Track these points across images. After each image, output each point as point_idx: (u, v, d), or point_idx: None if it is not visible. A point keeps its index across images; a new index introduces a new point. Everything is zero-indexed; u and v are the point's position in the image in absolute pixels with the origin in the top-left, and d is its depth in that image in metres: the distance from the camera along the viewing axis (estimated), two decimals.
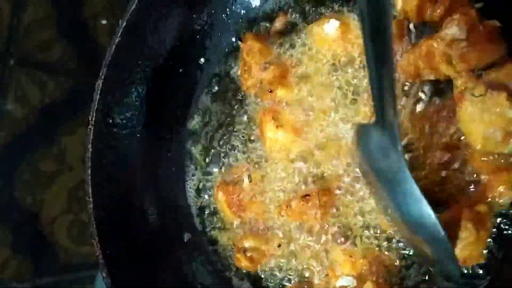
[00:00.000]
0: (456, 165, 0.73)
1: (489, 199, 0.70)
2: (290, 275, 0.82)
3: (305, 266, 0.81)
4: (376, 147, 0.65)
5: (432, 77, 0.74)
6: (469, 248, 0.67)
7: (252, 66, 0.84)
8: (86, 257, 1.18)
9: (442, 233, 0.62)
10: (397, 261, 0.76)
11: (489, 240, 0.71)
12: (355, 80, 0.81)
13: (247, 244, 0.82)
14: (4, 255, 1.09)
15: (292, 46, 0.86)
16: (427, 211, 0.63)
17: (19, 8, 1.07)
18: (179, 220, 0.89)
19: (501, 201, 0.70)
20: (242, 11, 0.91)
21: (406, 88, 0.77)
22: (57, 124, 1.14)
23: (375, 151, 0.66)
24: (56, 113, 1.14)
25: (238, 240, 0.83)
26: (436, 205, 0.66)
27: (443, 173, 0.74)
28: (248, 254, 0.81)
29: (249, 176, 0.84)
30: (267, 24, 0.89)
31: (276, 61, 0.85)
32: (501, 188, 0.70)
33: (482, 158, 0.71)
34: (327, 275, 0.79)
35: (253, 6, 0.90)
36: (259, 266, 0.83)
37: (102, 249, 0.79)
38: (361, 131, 0.68)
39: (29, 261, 1.12)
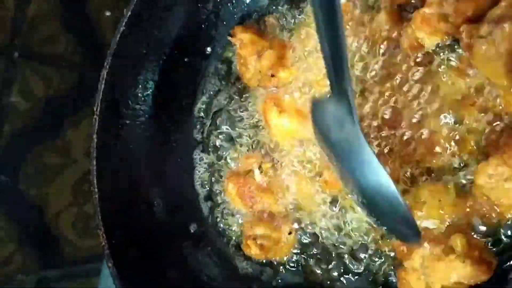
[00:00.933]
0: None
1: None
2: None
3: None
4: (332, 120, 0.65)
5: (435, 42, 0.73)
6: None
7: (247, 58, 0.84)
8: (91, 250, 1.18)
9: (401, 199, 0.62)
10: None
11: None
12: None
13: (258, 231, 0.81)
14: (10, 249, 1.09)
15: (288, 29, 0.86)
16: (385, 179, 0.63)
17: (23, 2, 1.07)
18: (185, 211, 0.88)
19: None
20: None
21: (418, 59, 0.75)
22: (61, 118, 1.14)
23: (331, 124, 0.65)
24: (61, 106, 1.14)
25: (248, 228, 0.83)
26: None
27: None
28: (259, 242, 0.80)
29: (260, 167, 0.84)
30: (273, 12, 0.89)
31: (270, 46, 0.84)
32: None
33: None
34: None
35: None
36: (269, 254, 0.82)
37: (108, 239, 0.79)
38: (317, 105, 0.67)
39: (34, 254, 1.12)
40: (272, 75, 0.82)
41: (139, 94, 0.87)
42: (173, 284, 0.83)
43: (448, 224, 0.68)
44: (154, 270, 0.83)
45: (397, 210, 0.63)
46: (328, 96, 0.64)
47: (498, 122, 0.68)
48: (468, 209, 0.67)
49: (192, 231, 0.88)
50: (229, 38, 0.87)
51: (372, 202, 0.66)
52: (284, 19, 0.87)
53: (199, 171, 0.90)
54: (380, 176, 0.63)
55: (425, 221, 0.69)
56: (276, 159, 0.84)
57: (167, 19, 0.86)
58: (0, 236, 1.08)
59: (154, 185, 0.88)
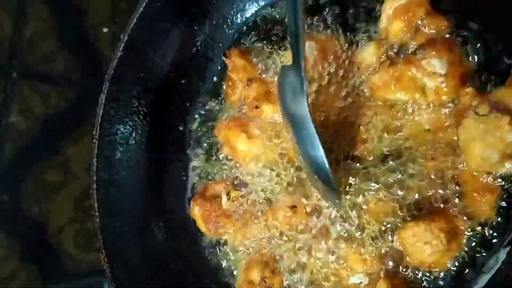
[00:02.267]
0: (449, 174, 0.75)
1: (470, 216, 0.73)
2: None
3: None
4: (289, 88, 0.73)
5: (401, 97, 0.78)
6: (436, 255, 0.72)
7: (237, 82, 0.86)
8: (93, 264, 1.18)
9: (329, 171, 0.71)
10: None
11: None
12: None
13: (251, 276, 0.81)
14: (13, 266, 1.09)
15: (275, 63, 0.87)
16: (320, 154, 0.71)
17: (21, 21, 1.07)
18: (184, 232, 0.89)
19: (481, 220, 0.73)
20: (243, 20, 0.91)
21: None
22: (61, 135, 1.14)
23: (288, 92, 0.73)
24: (60, 124, 1.14)
25: (242, 275, 0.83)
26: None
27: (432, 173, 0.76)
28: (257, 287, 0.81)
29: (228, 194, 0.85)
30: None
31: (259, 78, 0.86)
32: (482, 207, 0.73)
33: (473, 173, 0.74)
34: (336, 274, 0.79)
35: (252, 15, 0.91)
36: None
37: (110, 262, 0.80)
38: (282, 71, 0.74)
39: (37, 271, 1.13)
40: (257, 107, 0.84)
41: (137, 116, 0.88)
42: None
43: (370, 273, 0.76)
44: None
45: (326, 179, 0.72)
46: (290, 64, 0.72)
47: (441, 191, 0.75)
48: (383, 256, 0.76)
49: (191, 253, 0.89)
50: (224, 58, 0.88)
51: (311, 168, 0.74)
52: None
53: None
54: (317, 151, 0.72)
55: (352, 277, 0.77)
56: (245, 186, 0.85)
57: (163, 42, 0.87)
58: (3, 253, 1.08)
59: (152, 206, 0.89)
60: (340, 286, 0.79)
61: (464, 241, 0.73)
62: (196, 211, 0.86)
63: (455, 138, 0.74)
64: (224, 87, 0.90)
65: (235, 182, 0.86)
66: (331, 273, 0.79)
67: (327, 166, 0.71)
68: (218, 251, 0.88)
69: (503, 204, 0.73)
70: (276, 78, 0.82)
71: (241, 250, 0.85)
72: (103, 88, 0.83)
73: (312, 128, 0.71)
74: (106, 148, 0.84)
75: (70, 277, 1.17)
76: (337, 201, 0.77)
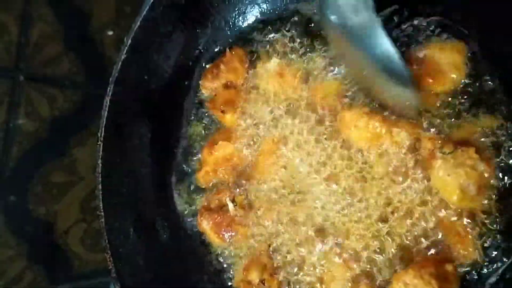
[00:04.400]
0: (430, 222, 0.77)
1: (456, 259, 0.75)
2: None
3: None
4: (346, 5, 0.74)
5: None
6: None
7: (221, 76, 0.88)
8: (99, 264, 1.20)
9: (402, 62, 0.73)
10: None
11: None
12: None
13: (250, 277, 0.82)
14: (21, 266, 1.11)
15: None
16: (389, 47, 0.73)
17: (27, 25, 1.09)
18: (187, 234, 0.90)
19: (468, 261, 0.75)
20: (245, 24, 0.93)
21: None
22: (67, 137, 1.16)
23: (347, 12, 0.74)
24: (66, 126, 1.15)
25: (240, 274, 0.84)
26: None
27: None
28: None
29: (234, 200, 0.86)
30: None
31: (239, 86, 0.89)
32: (466, 250, 0.75)
33: (451, 219, 0.76)
34: None
35: (254, 19, 0.92)
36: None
37: (115, 262, 0.81)
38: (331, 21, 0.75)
39: (44, 271, 1.14)
40: (223, 112, 0.87)
41: (142, 118, 0.90)
42: None
43: None
44: None
45: (400, 73, 0.74)
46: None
47: (423, 240, 0.77)
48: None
49: (194, 253, 0.90)
50: (227, 49, 0.90)
51: (382, 68, 0.75)
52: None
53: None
54: (389, 49, 0.73)
55: (334, 285, 0.79)
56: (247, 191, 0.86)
57: (167, 45, 0.89)
58: (11, 254, 1.10)
59: (156, 208, 0.90)
60: None
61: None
62: (205, 224, 0.86)
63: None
64: (207, 66, 0.91)
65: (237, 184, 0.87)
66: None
67: (399, 57, 0.73)
68: (221, 252, 0.88)
69: (486, 244, 0.75)
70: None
71: (242, 251, 0.86)
72: (108, 90, 0.84)
73: (381, 29, 0.73)
74: (111, 150, 0.85)
75: (77, 277, 1.19)
76: (415, 96, 0.76)
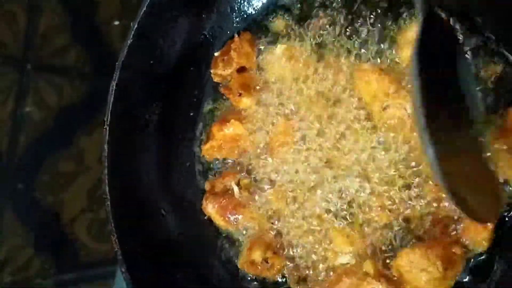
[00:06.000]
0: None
1: (466, 246, 0.75)
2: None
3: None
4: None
5: None
6: (433, 283, 0.72)
7: (233, 62, 0.87)
8: (106, 254, 1.21)
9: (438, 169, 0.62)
10: (394, 242, 0.79)
11: None
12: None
13: (253, 256, 0.82)
14: (28, 254, 1.12)
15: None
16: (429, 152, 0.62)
17: (35, 16, 1.11)
18: (194, 218, 0.90)
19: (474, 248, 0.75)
20: (251, 10, 0.93)
21: None
22: (74, 126, 1.17)
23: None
24: (73, 116, 1.17)
25: (245, 255, 0.84)
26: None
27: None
28: (259, 266, 0.82)
29: (238, 183, 0.86)
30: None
31: (252, 71, 0.88)
32: (478, 239, 0.75)
33: None
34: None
35: (260, 5, 0.92)
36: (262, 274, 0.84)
37: (121, 245, 0.81)
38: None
39: (51, 259, 1.16)
40: (240, 94, 0.87)
41: (147, 104, 0.90)
42: (184, 287, 0.86)
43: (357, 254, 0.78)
44: (166, 274, 0.86)
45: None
46: None
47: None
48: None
49: (201, 237, 0.90)
50: (236, 35, 0.89)
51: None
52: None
53: (200, 182, 0.92)
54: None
55: (339, 258, 0.79)
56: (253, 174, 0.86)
57: (172, 30, 0.89)
58: (18, 242, 1.11)
59: (162, 192, 0.90)
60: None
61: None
62: (210, 208, 0.86)
63: None
64: (216, 54, 0.91)
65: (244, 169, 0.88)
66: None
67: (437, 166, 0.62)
68: (230, 235, 0.89)
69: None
70: None
71: (248, 233, 0.86)
72: (114, 75, 0.84)
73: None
74: (117, 135, 0.86)
75: (83, 265, 1.20)
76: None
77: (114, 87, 0.84)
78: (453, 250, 0.73)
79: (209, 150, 0.89)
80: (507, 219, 0.77)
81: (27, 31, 1.10)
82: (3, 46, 1.07)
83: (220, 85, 0.92)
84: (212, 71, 0.91)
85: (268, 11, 0.92)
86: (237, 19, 0.92)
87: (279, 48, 0.87)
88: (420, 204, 0.78)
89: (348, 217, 0.81)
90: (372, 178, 0.80)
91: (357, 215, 0.80)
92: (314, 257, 0.81)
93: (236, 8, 0.92)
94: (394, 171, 0.79)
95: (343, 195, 0.81)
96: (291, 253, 0.83)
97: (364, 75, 0.81)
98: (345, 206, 0.81)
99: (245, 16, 0.92)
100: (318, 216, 0.81)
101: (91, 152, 1.18)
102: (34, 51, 1.11)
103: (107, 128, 0.85)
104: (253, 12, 0.92)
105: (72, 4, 1.17)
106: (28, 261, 1.12)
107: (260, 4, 0.92)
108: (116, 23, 1.19)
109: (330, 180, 0.82)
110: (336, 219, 0.81)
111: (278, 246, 0.83)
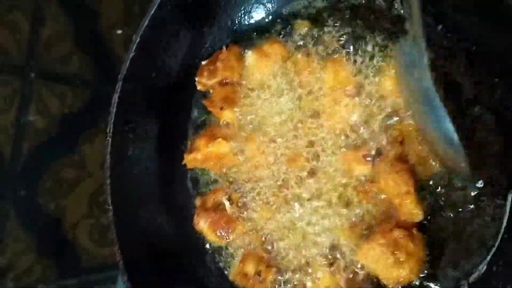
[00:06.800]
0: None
1: (404, 223, 0.77)
2: None
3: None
4: (409, 63, 0.72)
5: None
6: (392, 270, 0.75)
7: (217, 74, 0.88)
8: (107, 259, 1.23)
9: (459, 144, 0.68)
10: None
11: None
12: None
13: (246, 269, 0.84)
14: (30, 259, 1.13)
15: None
16: (448, 126, 0.68)
17: (38, 24, 1.11)
18: (193, 229, 0.91)
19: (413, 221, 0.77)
20: (251, 22, 0.94)
21: None
22: (77, 133, 1.18)
23: (407, 65, 0.73)
24: (76, 123, 1.18)
25: (237, 267, 0.86)
26: None
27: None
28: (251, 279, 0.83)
29: (230, 198, 0.87)
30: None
31: (237, 83, 0.89)
32: (410, 209, 0.76)
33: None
34: None
35: (260, 18, 0.94)
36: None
37: (123, 254, 0.83)
38: (400, 46, 0.75)
39: (53, 264, 1.17)
40: (221, 108, 0.88)
41: (149, 115, 0.91)
42: None
43: None
44: (166, 281, 0.87)
45: (456, 153, 0.70)
46: (407, 37, 0.72)
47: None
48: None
49: (200, 246, 0.92)
50: (224, 48, 0.91)
51: (438, 143, 0.72)
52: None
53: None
54: (443, 123, 0.69)
55: None
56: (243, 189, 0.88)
57: (174, 43, 0.90)
58: (21, 248, 1.12)
59: (162, 201, 0.92)
60: None
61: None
62: (202, 223, 0.87)
63: None
64: (203, 63, 0.92)
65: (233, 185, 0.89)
66: None
67: (457, 139, 0.68)
68: (223, 248, 0.91)
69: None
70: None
71: (240, 247, 0.88)
72: (116, 87, 0.86)
73: (437, 101, 0.68)
74: (119, 145, 0.87)
75: (85, 270, 1.21)
76: (469, 174, 0.74)
77: (117, 99, 0.85)
78: (395, 234, 0.75)
79: (192, 162, 0.89)
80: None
81: (30, 39, 1.11)
82: (7, 54, 1.07)
83: (203, 96, 0.93)
84: (197, 79, 0.92)
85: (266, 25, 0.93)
86: (238, 32, 0.94)
87: (249, 56, 0.89)
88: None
89: None
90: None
91: None
92: (300, 276, 0.83)
93: (236, 21, 0.93)
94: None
95: None
96: (280, 267, 0.84)
97: (334, 64, 0.83)
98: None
99: (245, 29, 0.94)
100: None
101: (93, 159, 1.20)
102: (37, 59, 1.12)
103: (110, 139, 0.86)
104: (253, 26, 0.94)
105: (75, 13, 1.18)
106: (30, 266, 1.13)
107: (260, 17, 0.94)
108: (119, 32, 1.20)
109: None
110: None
111: (269, 260, 0.84)
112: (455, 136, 0.68)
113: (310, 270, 0.82)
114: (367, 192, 0.80)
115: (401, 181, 0.76)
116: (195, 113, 0.95)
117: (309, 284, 0.81)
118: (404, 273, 0.74)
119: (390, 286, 0.77)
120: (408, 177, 0.76)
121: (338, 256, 0.81)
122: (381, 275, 0.76)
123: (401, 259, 0.74)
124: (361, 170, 0.80)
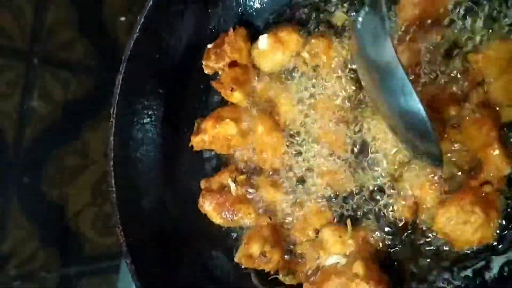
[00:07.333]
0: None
1: (491, 178, 0.72)
2: None
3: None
4: (369, 34, 0.66)
5: None
6: (480, 230, 0.70)
7: (225, 56, 0.87)
8: (110, 248, 1.22)
9: (427, 120, 0.62)
10: (385, 241, 0.79)
11: None
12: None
13: (251, 250, 0.83)
14: (33, 247, 1.12)
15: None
16: (415, 102, 0.62)
17: (42, 10, 1.10)
18: (198, 210, 0.90)
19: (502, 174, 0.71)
20: (257, 5, 0.93)
21: None
22: (80, 120, 1.18)
23: (368, 38, 0.66)
24: (79, 110, 1.17)
25: (242, 249, 0.84)
26: None
27: None
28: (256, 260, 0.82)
29: (235, 180, 0.86)
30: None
31: (245, 65, 0.89)
32: (496, 165, 0.71)
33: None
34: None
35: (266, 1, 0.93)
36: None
37: (126, 237, 0.82)
38: (360, 16, 0.67)
39: (56, 252, 1.16)
40: (232, 89, 0.87)
41: (153, 97, 0.91)
42: (188, 278, 0.87)
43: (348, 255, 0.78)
44: (170, 265, 0.87)
45: (423, 130, 0.64)
46: (366, 9, 0.65)
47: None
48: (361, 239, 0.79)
49: (205, 230, 0.91)
50: (231, 29, 0.89)
51: (403, 121, 0.66)
52: None
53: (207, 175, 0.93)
54: (411, 101, 0.63)
55: (330, 258, 0.79)
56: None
57: (178, 24, 0.90)
58: (23, 235, 1.11)
59: (167, 185, 0.91)
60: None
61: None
62: (207, 205, 0.87)
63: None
64: (209, 46, 0.90)
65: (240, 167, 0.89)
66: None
67: (425, 115, 0.62)
68: (231, 229, 0.90)
69: None
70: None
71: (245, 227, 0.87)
72: (120, 68, 0.85)
73: (402, 73, 0.62)
74: (123, 127, 0.87)
75: (87, 259, 1.20)
76: (436, 155, 0.67)
77: (121, 80, 0.85)
78: (484, 190, 0.71)
79: (199, 143, 0.88)
80: None
81: (34, 25, 1.10)
82: (10, 40, 1.06)
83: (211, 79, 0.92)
84: (203, 62, 0.91)
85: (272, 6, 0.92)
86: (242, 13, 0.93)
87: (262, 39, 0.87)
88: None
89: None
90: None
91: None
92: (306, 252, 0.82)
93: (241, 2, 0.92)
94: None
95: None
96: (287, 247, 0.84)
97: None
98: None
99: (251, 10, 0.93)
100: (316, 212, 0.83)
101: (97, 146, 1.19)
102: (41, 45, 1.11)
103: (113, 121, 0.86)
104: (258, 7, 0.93)
105: None
106: (33, 254, 1.12)
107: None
108: (122, 19, 1.20)
109: None
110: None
111: (275, 240, 0.83)
112: (421, 108, 0.62)
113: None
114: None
115: (485, 129, 0.71)
116: (201, 95, 0.94)
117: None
118: (488, 233, 0.70)
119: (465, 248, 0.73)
120: (492, 124, 0.71)
121: None
122: (462, 240, 0.71)
123: (489, 218, 0.69)
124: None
